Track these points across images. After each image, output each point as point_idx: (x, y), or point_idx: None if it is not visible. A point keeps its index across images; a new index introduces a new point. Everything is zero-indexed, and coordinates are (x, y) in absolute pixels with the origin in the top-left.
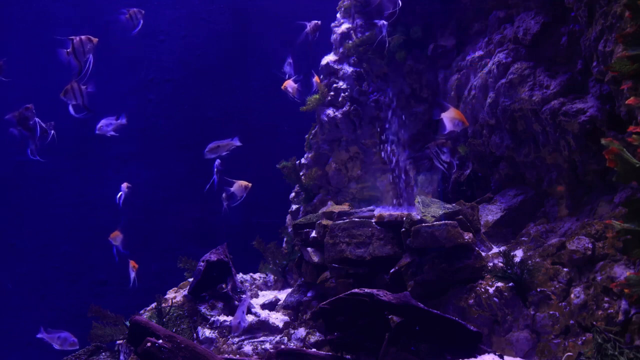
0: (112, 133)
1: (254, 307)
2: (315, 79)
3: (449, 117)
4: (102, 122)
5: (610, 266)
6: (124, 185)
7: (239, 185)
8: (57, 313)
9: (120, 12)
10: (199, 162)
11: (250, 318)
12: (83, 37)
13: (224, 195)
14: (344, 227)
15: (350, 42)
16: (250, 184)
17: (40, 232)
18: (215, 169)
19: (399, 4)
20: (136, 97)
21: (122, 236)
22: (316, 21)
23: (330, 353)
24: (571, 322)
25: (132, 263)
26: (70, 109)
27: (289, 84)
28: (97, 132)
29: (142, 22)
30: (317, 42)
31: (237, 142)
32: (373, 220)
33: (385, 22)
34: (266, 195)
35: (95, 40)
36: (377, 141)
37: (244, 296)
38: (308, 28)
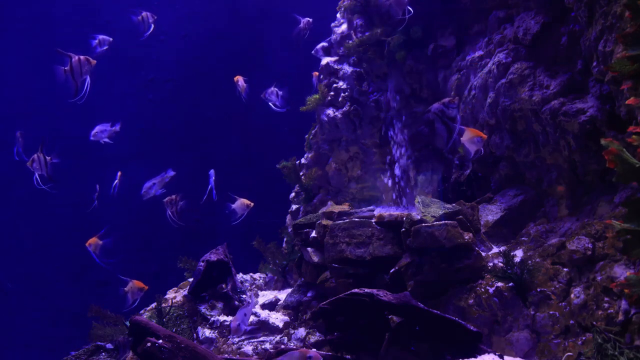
0: (106, 140)
1: (254, 308)
2: (314, 73)
3: (469, 139)
4: (97, 129)
5: (610, 266)
6: (119, 174)
7: (241, 203)
8: (57, 313)
9: (132, 12)
10: (199, 162)
11: (250, 318)
12: (82, 57)
13: (166, 199)
14: (344, 227)
15: (350, 42)
16: (252, 203)
17: (40, 232)
18: (212, 178)
19: (410, 12)
20: (136, 97)
21: (102, 243)
22: (308, 18)
23: (330, 353)
24: (571, 322)
25: (137, 283)
26: (36, 177)
27: (240, 79)
28: (91, 138)
29: (153, 26)
30: (317, 42)
31: (170, 173)
32: (373, 220)
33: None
34: (266, 195)
35: (93, 62)
36: (377, 141)
37: (243, 296)
38: (301, 24)
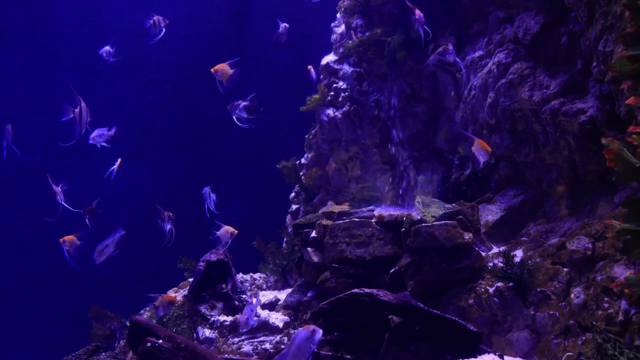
0: (104, 144)
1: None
2: (309, 67)
3: (477, 150)
4: (96, 133)
5: (610, 266)
6: (119, 160)
7: (226, 230)
8: (57, 313)
9: (145, 15)
10: (199, 162)
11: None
12: (87, 107)
13: (166, 214)
14: (344, 227)
15: (350, 42)
16: (236, 231)
17: (40, 232)
18: (208, 196)
19: (429, 34)
20: (136, 97)
21: (79, 244)
22: (286, 24)
23: (330, 353)
24: (571, 322)
25: (167, 297)
26: (64, 205)
27: (221, 69)
28: (90, 142)
29: (164, 30)
30: (317, 42)
31: (121, 232)
32: (373, 220)
33: None
34: (266, 195)
35: (89, 119)
36: (377, 141)
37: (243, 296)
38: (281, 29)
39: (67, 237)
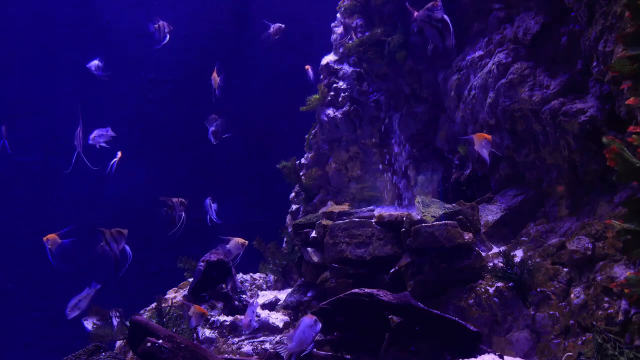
0: (103, 144)
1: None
2: (307, 67)
3: (479, 145)
4: (95, 133)
5: (610, 266)
6: (119, 154)
7: (235, 242)
8: (57, 313)
9: (150, 19)
10: (199, 162)
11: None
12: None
13: (177, 200)
14: (344, 227)
15: (350, 42)
16: (246, 242)
17: (40, 232)
18: (210, 207)
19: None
20: (136, 97)
21: (60, 242)
22: (280, 25)
23: (330, 353)
24: (571, 322)
25: (198, 308)
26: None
27: (212, 78)
28: (90, 142)
29: (168, 37)
30: (317, 42)
31: (96, 286)
32: (373, 220)
33: None
34: (266, 195)
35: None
36: (377, 141)
37: (243, 296)
38: (271, 30)
39: (49, 236)
